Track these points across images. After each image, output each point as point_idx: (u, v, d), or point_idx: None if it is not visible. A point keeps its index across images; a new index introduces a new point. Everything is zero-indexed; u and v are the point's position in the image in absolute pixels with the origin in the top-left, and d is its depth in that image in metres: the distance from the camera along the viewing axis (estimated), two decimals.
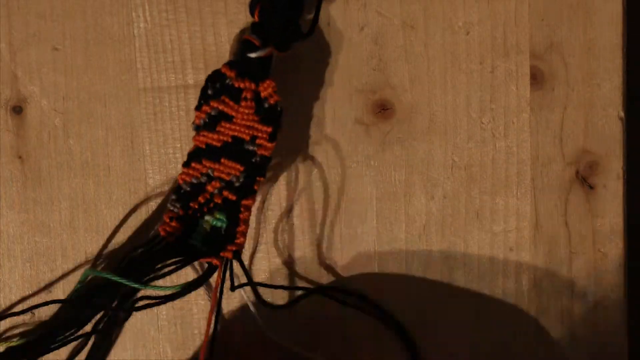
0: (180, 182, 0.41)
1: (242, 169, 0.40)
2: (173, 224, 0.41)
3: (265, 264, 0.44)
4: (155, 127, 0.43)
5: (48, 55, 0.43)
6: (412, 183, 0.43)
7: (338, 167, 0.43)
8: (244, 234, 0.40)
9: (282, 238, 0.44)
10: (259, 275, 0.44)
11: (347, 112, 0.42)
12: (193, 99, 0.43)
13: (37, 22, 0.43)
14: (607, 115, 0.42)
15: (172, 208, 0.41)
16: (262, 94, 0.40)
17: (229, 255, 0.40)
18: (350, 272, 0.44)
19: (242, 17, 0.42)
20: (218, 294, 0.41)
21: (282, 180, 0.43)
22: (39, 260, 0.44)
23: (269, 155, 0.40)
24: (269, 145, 0.40)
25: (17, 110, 0.43)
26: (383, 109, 0.42)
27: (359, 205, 0.43)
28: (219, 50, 0.42)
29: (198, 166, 0.40)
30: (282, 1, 0.39)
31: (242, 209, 0.40)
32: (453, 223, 0.43)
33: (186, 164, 0.41)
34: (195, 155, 0.41)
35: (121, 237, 0.44)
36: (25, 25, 0.43)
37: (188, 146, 0.43)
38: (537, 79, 0.42)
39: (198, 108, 0.40)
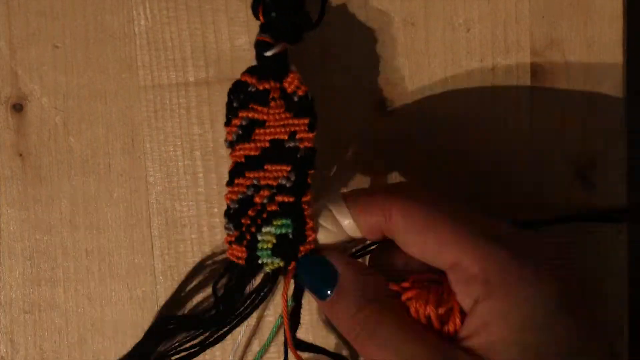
0: (227, 202, 0.39)
1: (289, 168, 0.38)
2: (235, 247, 0.39)
3: None
4: (156, 124, 0.43)
5: (48, 53, 0.43)
6: (412, 180, 0.43)
7: (338, 164, 0.43)
8: (314, 230, 0.38)
9: None
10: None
11: (347, 110, 0.42)
12: (194, 97, 0.43)
13: (37, 20, 0.43)
14: (608, 112, 0.42)
15: (227, 232, 0.39)
16: (289, 89, 0.39)
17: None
18: None
19: (243, 15, 0.42)
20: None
21: None
22: (39, 258, 0.44)
23: (312, 146, 0.39)
24: (311, 135, 0.39)
25: (18, 108, 0.43)
26: (384, 107, 0.42)
27: None
28: (219, 47, 0.42)
29: (242, 181, 0.39)
30: None
31: (305, 207, 0.38)
32: None
33: (229, 183, 0.39)
34: (236, 172, 0.39)
35: (122, 235, 0.44)
36: (25, 23, 0.43)
37: (189, 144, 0.43)
38: (537, 76, 0.42)
39: (228, 123, 0.39)
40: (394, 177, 0.43)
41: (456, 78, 0.42)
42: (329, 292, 0.36)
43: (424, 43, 0.42)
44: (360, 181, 0.43)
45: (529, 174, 0.42)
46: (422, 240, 0.34)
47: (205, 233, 0.44)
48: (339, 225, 0.37)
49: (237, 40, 0.42)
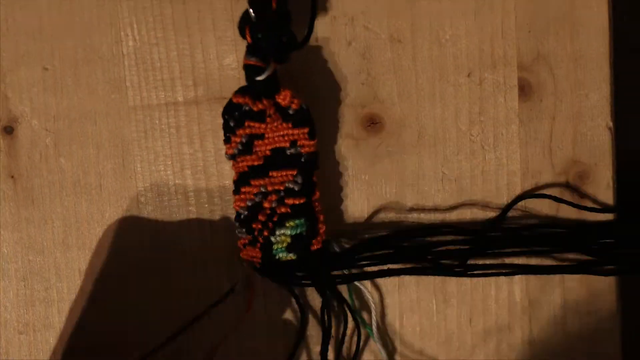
0: (237, 209, 0.41)
1: (294, 172, 0.40)
2: (249, 250, 0.41)
3: None
4: (146, 144, 0.43)
5: (38, 75, 0.43)
6: (402, 196, 0.43)
7: (328, 182, 0.43)
8: (324, 223, 0.41)
9: None
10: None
11: (336, 127, 0.43)
12: (183, 116, 0.43)
13: (27, 43, 0.43)
14: (596, 125, 0.42)
15: (240, 236, 0.41)
16: (283, 104, 0.39)
17: (319, 246, 0.41)
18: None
19: (230, 34, 0.42)
20: None
21: None
22: (33, 278, 0.44)
23: (315, 151, 0.40)
24: (312, 142, 0.40)
25: (8, 130, 0.43)
26: (372, 123, 0.43)
27: (350, 219, 0.43)
28: (207, 67, 0.42)
29: (249, 189, 0.40)
30: (271, 17, 0.39)
31: (315, 204, 0.41)
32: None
33: (236, 191, 0.40)
34: (241, 181, 0.40)
35: (114, 255, 0.44)
36: (14, 45, 0.43)
37: (179, 163, 0.43)
38: (525, 90, 0.42)
39: (227, 141, 0.40)
40: (386, 190, 0.43)
41: (444, 93, 0.42)
42: None
43: (411, 59, 0.42)
44: (350, 195, 0.43)
45: (520, 186, 0.42)
46: None
47: (197, 251, 0.44)
48: None
49: (225, 59, 0.42)
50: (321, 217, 0.41)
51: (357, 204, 0.43)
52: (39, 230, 0.44)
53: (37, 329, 0.44)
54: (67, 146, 0.43)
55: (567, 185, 0.42)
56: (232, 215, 0.43)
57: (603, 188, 0.42)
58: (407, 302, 0.44)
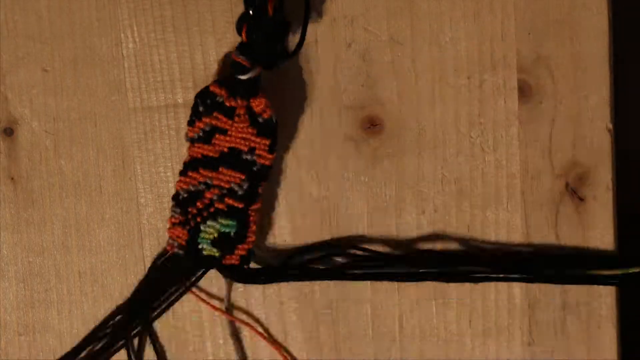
0: (178, 188, 0.41)
1: (243, 177, 0.41)
2: (177, 229, 0.41)
3: None
4: (146, 146, 0.43)
5: (38, 76, 0.43)
6: (402, 198, 0.43)
7: (328, 184, 0.43)
8: (254, 233, 0.41)
9: (271, 255, 0.44)
10: (252, 292, 0.44)
11: (336, 129, 0.43)
12: (183, 118, 0.43)
13: (26, 44, 0.43)
14: (596, 127, 0.42)
15: (172, 214, 0.42)
16: (256, 110, 0.40)
17: (243, 253, 0.41)
18: (342, 287, 0.44)
19: (230, 36, 0.42)
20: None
21: (271, 197, 0.43)
22: (33, 280, 0.44)
23: (270, 165, 0.41)
24: (270, 156, 0.41)
25: (8, 132, 0.43)
26: (372, 125, 0.43)
27: (350, 221, 0.43)
28: (207, 69, 0.43)
29: (195, 175, 0.41)
30: (269, 21, 0.39)
31: (251, 214, 0.41)
32: (444, 237, 0.43)
33: (183, 173, 0.41)
34: (191, 165, 0.41)
35: (114, 256, 0.44)
36: (14, 47, 0.43)
37: (179, 165, 0.43)
38: (524, 92, 0.42)
39: (191, 124, 0.41)
40: (385, 192, 0.43)
41: (444, 95, 0.42)
42: None
43: (411, 61, 0.42)
44: (349, 197, 0.43)
45: (518, 189, 0.42)
46: None
47: None
48: None
49: (225, 61, 0.42)
50: (253, 228, 0.41)
51: (356, 206, 0.43)
52: (39, 232, 0.44)
53: (37, 331, 0.45)
54: (67, 148, 0.43)
55: (566, 187, 0.42)
56: None
57: (603, 190, 0.42)
58: (407, 303, 0.44)
